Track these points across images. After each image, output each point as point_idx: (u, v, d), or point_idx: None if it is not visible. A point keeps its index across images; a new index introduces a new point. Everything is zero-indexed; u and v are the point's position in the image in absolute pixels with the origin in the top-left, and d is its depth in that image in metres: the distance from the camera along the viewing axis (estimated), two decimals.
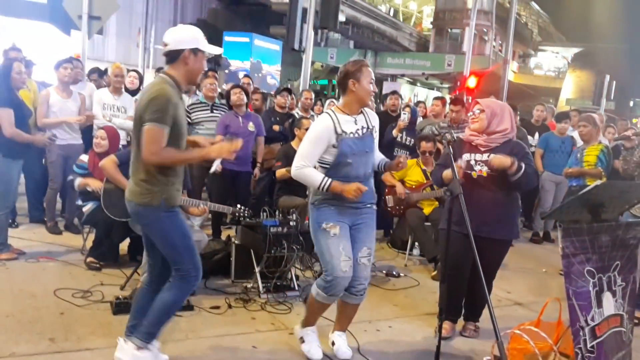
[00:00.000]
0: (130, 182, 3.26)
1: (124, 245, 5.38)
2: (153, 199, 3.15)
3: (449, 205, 3.76)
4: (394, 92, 8.18)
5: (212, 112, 6.50)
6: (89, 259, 5.15)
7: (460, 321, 4.38)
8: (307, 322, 3.83)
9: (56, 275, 4.90)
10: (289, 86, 11.64)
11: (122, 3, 14.41)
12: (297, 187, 5.66)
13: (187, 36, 3.22)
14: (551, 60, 46.97)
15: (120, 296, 4.27)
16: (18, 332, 3.75)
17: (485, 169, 3.97)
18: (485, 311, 4.07)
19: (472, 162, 4.03)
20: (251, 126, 6.36)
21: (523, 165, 3.86)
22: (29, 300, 4.30)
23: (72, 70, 6.18)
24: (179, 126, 3.18)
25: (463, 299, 4.27)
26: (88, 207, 5.22)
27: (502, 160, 3.84)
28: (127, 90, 7.01)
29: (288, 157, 6.06)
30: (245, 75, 8.90)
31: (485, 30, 34.21)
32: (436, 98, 8.19)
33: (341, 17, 10.58)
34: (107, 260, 5.19)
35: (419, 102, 8.46)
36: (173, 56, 3.20)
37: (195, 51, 3.21)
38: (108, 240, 5.10)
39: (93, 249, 5.19)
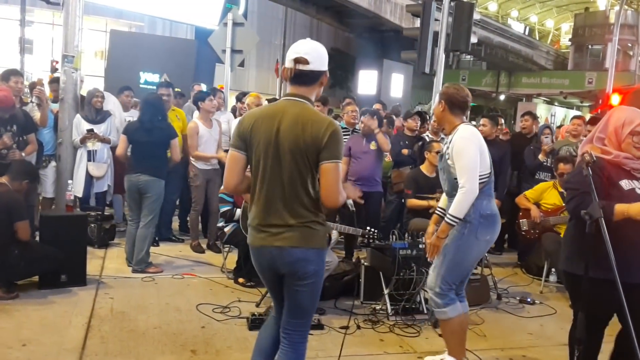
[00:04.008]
0: (278, 226, 2.68)
1: None
2: (322, 240, 2.69)
3: (589, 230, 2.86)
4: (528, 113, 7.89)
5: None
6: (241, 280, 5.44)
7: None
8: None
9: (198, 291, 5.23)
10: (420, 109, 11.59)
11: (261, 37, 15.27)
12: (427, 212, 5.63)
13: (326, 55, 2.77)
14: None
15: (255, 313, 4.48)
16: (164, 343, 4.03)
17: None
18: None
19: (638, 191, 3.13)
20: (373, 145, 6.38)
21: None
22: (174, 313, 4.63)
23: (214, 101, 6.66)
24: None
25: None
26: (229, 229, 5.54)
27: None
28: None
29: (417, 184, 6.05)
30: (379, 102, 9.06)
31: (630, 44, 32.01)
32: (575, 117, 7.77)
33: (473, 39, 10.37)
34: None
35: (547, 126, 7.90)
36: (313, 77, 2.71)
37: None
38: (248, 259, 5.36)
39: (238, 270, 5.49)
